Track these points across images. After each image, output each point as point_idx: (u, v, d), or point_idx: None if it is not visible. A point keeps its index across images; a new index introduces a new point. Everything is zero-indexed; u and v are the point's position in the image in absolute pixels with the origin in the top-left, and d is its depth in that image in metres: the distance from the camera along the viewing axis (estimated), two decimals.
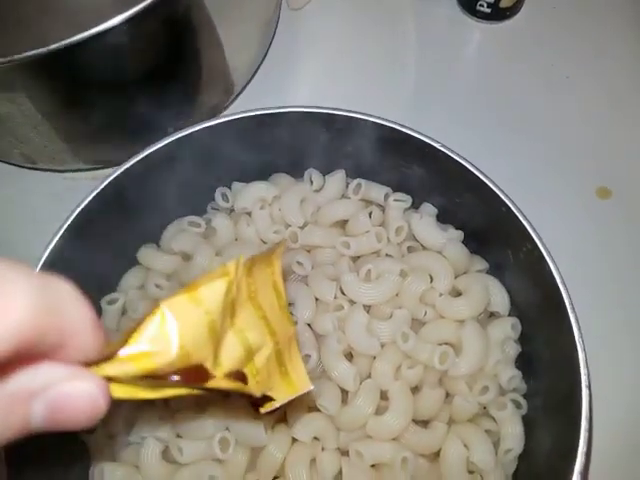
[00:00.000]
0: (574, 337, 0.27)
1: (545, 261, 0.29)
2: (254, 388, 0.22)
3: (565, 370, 0.28)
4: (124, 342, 0.18)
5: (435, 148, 0.31)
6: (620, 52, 0.53)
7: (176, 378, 0.19)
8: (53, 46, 0.34)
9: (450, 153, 0.31)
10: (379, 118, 0.32)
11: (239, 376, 0.21)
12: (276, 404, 0.23)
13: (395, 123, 0.32)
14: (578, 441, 0.26)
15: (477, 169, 0.31)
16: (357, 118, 0.32)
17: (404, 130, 0.32)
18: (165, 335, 0.19)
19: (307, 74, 0.52)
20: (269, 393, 0.23)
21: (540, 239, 0.29)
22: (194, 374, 0.20)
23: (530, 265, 0.30)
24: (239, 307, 0.22)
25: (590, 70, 0.52)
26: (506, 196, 0.30)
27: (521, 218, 0.30)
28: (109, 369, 0.18)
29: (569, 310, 0.28)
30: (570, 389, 0.28)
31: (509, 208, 0.30)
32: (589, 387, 0.26)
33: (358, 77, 0.52)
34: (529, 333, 0.34)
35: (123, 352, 0.18)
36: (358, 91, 0.51)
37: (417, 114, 0.50)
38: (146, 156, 0.37)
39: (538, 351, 0.33)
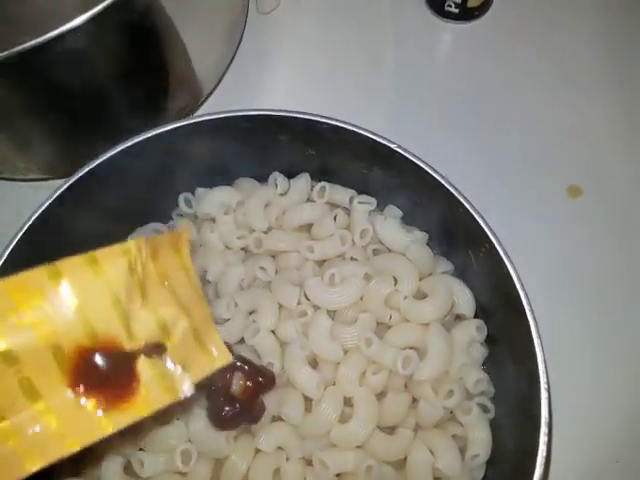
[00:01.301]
0: (532, 339, 0.27)
1: (502, 261, 0.28)
2: (174, 358, 0.22)
3: (526, 373, 0.28)
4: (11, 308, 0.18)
5: (391, 149, 0.31)
6: (590, 49, 0.53)
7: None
8: (4, 53, 0.33)
9: (406, 154, 0.31)
10: (336, 120, 0.32)
11: (158, 347, 0.22)
12: (194, 378, 0.23)
13: (351, 125, 0.31)
14: (538, 445, 0.25)
15: (433, 169, 0.31)
16: (315, 121, 0.32)
17: (360, 132, 0.31)
18: (61, 298, 0.19)
19: (275, 78, 0.52)
20: (188, 370, 0.23)
21: (497, 238, 0.29)
22: (106, 349, 0.20)
23: (490, 265, 0.30)
24: (151, 288, 0.23)
25: (559, 67, 0.52)
26: (462, 196, 0.30)
27: (477, 217, 0.29)
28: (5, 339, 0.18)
29: (527, 312, 0.27)
30: (531, 392, 0.27)
31: (465, 208, 0.30)
32: (548, 390, 0.26)
33: (327, 80, 0.52)
34: (495, 335, 0.34)
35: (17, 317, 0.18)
36: (327, 94, 0.50)
37: (388, 116, 0.50)
38: (107, 159, 0.36)
39: (503, 353, 0.33)
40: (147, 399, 0.21)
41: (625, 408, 0.39)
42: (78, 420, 0.20)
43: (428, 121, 0.49)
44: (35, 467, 0.19)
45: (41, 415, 0.20)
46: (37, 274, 0.20)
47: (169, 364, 0.22)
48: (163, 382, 0.22)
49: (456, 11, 0.52)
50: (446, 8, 0.52)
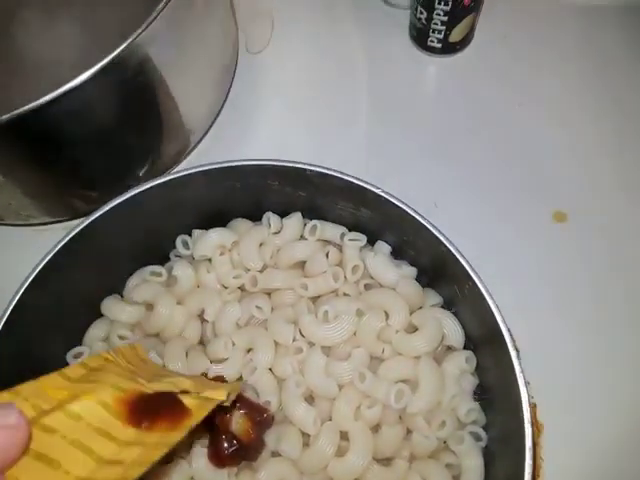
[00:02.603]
0: (516, 374, 0.28)
1: (485, 299, 0.30)
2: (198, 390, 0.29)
3: (512, 403, 0.29)
4: None
5: (375, 193, 0.33)
6: (570, 77, 0.54)
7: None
8: (5, 116, 0.35)
9: (390, 198, 0.32)
10: (322, 167, 0.33)
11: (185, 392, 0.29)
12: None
13: (336, 171, 0.33)
14: (523, 475, 0.26)
15: (416, 212, 0.32)
16: (302, 168, 0.34)
17: (344, 177, 0.33)
18: None
19: (266, 115, 0.53)
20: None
21: (479, 277, 0.30)
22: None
23: (474, 301, 0.31)
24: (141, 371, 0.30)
25: (541, 96, 0.53)
26: (444, 237, 0.31)
27: (459, 258, 0.31)
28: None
29: (510, 348, 0.29)
30: (517, 422, 0.28)
31: (448, 249, 0.31)
32: (532, 421, 0.27)
33: (313, 119, 0.53)
34: (484, 365, 0.35)
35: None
36: (314, 133, 0.52)
37: (374, 151, 0.52)
38: (110, 209, 0.38)
39: (492, 383, 0.34)
40: (197, 413, 0.27)
41: (616, 428, 0.40)
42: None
43: (415, 152, 0.51)
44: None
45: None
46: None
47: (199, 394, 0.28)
48: (200, 400, 0.28)
49: (439, 46, 0.54)
50: (429, 43, 0.55)
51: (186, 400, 0.27)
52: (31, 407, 0.23)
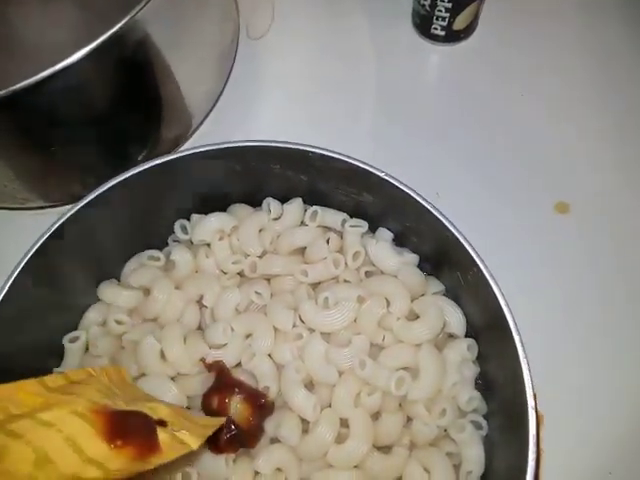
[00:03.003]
0: (519, 360, 0.28)
1: (489, 285, 0.29)
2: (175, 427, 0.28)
3: (515, 391, 0.29)
4: None
5: (379, 177, 0.32)
6: (573, 69, 0.54)
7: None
8: (3, 92, 0.34)
9: (393, 181, 0.32)
10: (324, 149, 0.33)
11: (162, 423, 0.27)
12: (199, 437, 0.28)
13: (338, 153, 0.32)
14: (527, 462, 0.26)
15: (420, 196, 0.32)
16: (304, 150, 0.33)
17: (347, 160, 0.32)
18: None
19: (267, 103, 0.53)
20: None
21: (483, 263, 0.30)
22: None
23: (477, 288, 0.31)
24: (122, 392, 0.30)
25: (543, 88, 0.53)
26: (449, 222, 0.31)
27: (464, 243, 0.30)
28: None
29: (514, 333, 0.28)
30: (520, 409, 0.28)
31: (452, 233, 0.31)
32: (535, 408, 0.27)
33: (316, 105, 0.53)
34: (486, 353, 0.35)
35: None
36: (316, 118, 0.52)
37: (378, 138, 0.51)
38: (105, 191, 0.37)
39: (493, 371, 0.34)
40: (166, 453, 0.26)
41: (616, 421, 0.40)
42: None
43: (418, 141, 0.51)
44: None
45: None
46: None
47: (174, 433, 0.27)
48: (174, 440, 0.27)
49: (442, 34, 0.54)
50: (432, 31, 0.54)
51: (161, 434, 0.27)
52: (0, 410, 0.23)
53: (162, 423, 0.27)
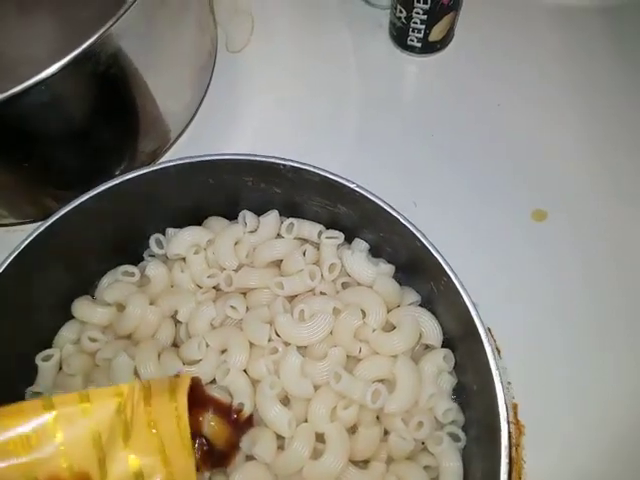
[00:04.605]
0: (491, 370, 0.27)
1: (460, 295, 0.29)
2: None
3: (489, 402, 0.28)
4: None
5: (351, 188, 0.32)
6: (551, 77, 0.54)
7: None
8: None
9: (364, 192, 0.32)
10: (295, 162, 0.33)
11: None
12: None
13: (309, 165, 0.32)
14: (499, 475, 0.26)
15: (390, 206, 0.31)
16: (275, 163, 0.33)
17: (318, 172, 0.32)
18: (47, 430, 0.20)
19: (246, 115, 0.53)
20: None
21: (454, 272, 0.30)
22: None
23: (450, 297, 0.31)
24: (135, 431, 0.25)
25: (521, 96, 0.53)
26: (419, 231, 0.31)
27: (434, 252, 0.30)
28: None
29: (485, 343, 0.28)
30: (494, 420, 0.28)
31: (423, 243, 0.30)
32: (515, 419, 0.26)
33: (294, 118, 0.53)
34: (462, 363, 0.35)
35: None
36: (294, 132, 0.52)
37: (354, 150, 0.51)
38: (76, 207, 0.37)
39: (469, 382, 0.33)
40: None
41: (601, 430, 0.40)
42: None
43: (396, 151, 0.51)
44: None
45: None
46: (33, 406, 0.21)
47: None
48: None
49: (419, 45, 0.54)
50: (409, 42, 0.54)
51: None
52: None
53: None
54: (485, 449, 0.30)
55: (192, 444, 0.28)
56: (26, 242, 0.35)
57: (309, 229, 0.40)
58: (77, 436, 0.23)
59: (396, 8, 0.52)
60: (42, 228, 0.36)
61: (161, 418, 0.26)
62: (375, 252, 0.39)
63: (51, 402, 0.23)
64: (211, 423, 0.33)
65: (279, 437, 0.34)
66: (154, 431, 0.26)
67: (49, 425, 0.22)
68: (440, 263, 0.30)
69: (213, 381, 0.35)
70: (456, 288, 0.29)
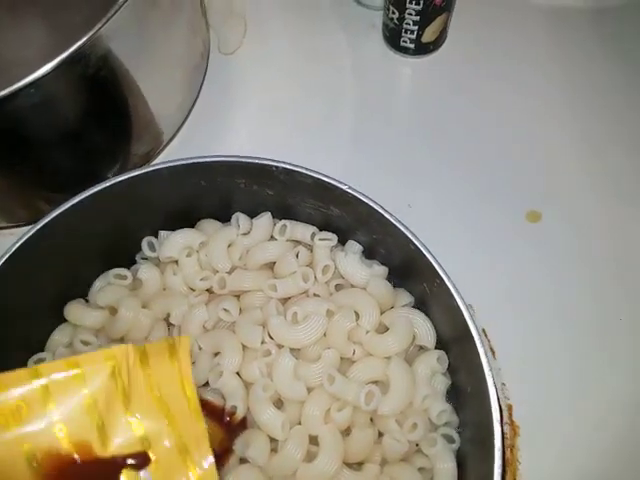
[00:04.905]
0: (484, 372, 0.27)
1: (453, 297, 0.29)
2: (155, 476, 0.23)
3: (482, 403, 0.28)
4: None
5: (343, 190, 0.32)
6: (544, 78, 0.54)
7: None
8: None
9: (357, 194, 0.32)
10: (286, 163, 0.33)
11: (141, 458, 0.23)
12: None
13: (301, 167, 0.32)
14: (492, 476, 0.26)
15: (383, 209, 0.31)
16: (267, 165, 0.33)
17: (310, 173, 0.32)
18: (38, 400, 0.20)
19: (239, 117, 0.53)
20: None
21: (446, 274, 0.30)
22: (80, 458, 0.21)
23: (443, 299, 0.31)
24: (136, 395, 0.23)
25: (515, 97, 0.53)
26: (411, 233, 0.31)
27: (426, 254, 0.30)
28: None
29: (478, 345, 0.28)
30: (487, 422, 0.28)
31: (415, 245, 0.30)
32: (502, 423, 0.26)
33: (287, 120, 0.52)
34: (455, 365, 0.35)
35: None
36: (288, 134, 0.51)
37: (348, 152, 0.51)
38: (70, 207, 0.36)
39: (463, 383, 0.33)
40: None
41: (597, 431, 0.40)
42: None
43: (390, 152, 0.51)
44: None
45: None
46: (19, 375, 0.20)
47: None
48: None
49: (412, 46, 0.54)
50: (402, 44, 0.54)
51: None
52: None
53: (142, 457, 0.23)
54: (479, 450, 0.30)
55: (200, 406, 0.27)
56: (17, 245, 0.35)
57: (302, 231, 0.40)
58: (71, 404, 0.21)
59: (388, 9, 0.52)
60: (33, 231, 0.35)
61: (163, 380, 0.25)
62: (368, 254, 0.39)
63: (38, 370, 0.22)
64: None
65: (272, 440, 0.33)
66: (157, 394, 0.24)
67: (39, 394, 0.21)
68: (432, 265, 0.30)
69: (206, 384, 0.35)
70: (449, 290, 0.29)
